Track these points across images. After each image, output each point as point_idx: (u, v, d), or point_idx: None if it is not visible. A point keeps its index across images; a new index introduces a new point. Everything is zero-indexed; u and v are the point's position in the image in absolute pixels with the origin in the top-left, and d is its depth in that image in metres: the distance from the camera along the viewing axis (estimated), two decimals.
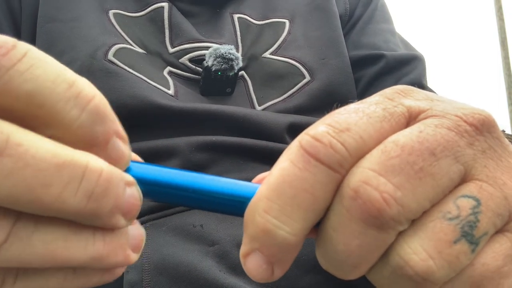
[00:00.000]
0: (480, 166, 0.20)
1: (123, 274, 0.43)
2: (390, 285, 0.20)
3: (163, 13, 0.57)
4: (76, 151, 0.18)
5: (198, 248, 0.44)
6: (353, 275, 0.21)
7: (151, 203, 0.46)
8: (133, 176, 0.20)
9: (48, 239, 0.18)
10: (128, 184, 0.19)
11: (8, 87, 0.17)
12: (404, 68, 0.62)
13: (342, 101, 0.58)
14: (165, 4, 0.57)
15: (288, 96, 0.56)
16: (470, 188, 0.20)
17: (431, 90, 0.62)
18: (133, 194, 0.19)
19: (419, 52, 0.65)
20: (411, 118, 0.21)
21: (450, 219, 0.19)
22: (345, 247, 0.20)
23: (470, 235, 0.19)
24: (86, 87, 0.18)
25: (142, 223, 0.45)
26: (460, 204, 0.19)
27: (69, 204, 0.17)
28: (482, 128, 0.20)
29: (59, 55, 0.52)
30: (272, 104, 0.55)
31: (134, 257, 0.21)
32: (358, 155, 0.20)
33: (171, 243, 0.44)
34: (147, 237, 0.45)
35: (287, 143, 0.52)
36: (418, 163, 0.19)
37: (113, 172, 0.18)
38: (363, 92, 0.62)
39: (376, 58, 0.62)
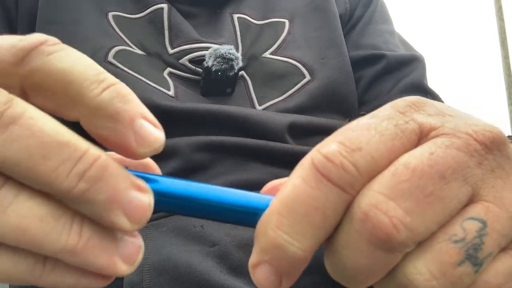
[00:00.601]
0: (488, 187, 0.20)
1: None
2: None
3: (163, 14, 0.57)
4: (81, 139, 0.19)
5: (198, 249, 0.44)
6: (360, 287, 0.21)
7: None
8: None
9: (24, 213, 0.18)
10: (139, 188, 0.20)
11: (46, 66, 0.20)
12: (405, 68, 0.62)
13: (342, 100, 0.58)
14: (164, 6, 0.57)
15: (289, 96, 0.56)
16: (477, 210, 0.20)
17: (431, 91, 0.62)
18: (142, 198, 0.20)
19: (419, 52, 0.65)
20: (422, 135, 0.21)
21: (456, 241, 0.19)
22: (353, 265, 0.20)
23: (474, 257, 0.19)
24: (111, 77, 0.21)
25: None
26: (466, 227, 0.20)
27: (61, 180, 0.18)
28: (492, 146, 0.20)
29: None
30: (272, 104, 0.55)
31: (123, 268, 0.20)
32: (369, 175, 0.20)
33: (172, 244, 0.44)
34: (148, 238, 0.45)
35: (288, 143, 0.52)
36: (428, 187, 0.19)
37: (112, 165, 0.19)
38: (364, 92, 0.62)
39: (376, 58, 0.62)
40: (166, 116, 0.50)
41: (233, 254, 0.44)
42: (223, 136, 0.50)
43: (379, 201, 0.19)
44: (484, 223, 0.20)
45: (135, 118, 0.20)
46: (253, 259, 0.21)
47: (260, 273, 0.20)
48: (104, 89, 0.20)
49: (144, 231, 0.45)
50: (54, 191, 0.19)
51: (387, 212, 0.19)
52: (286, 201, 0.20)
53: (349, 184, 0.19)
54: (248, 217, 0.21)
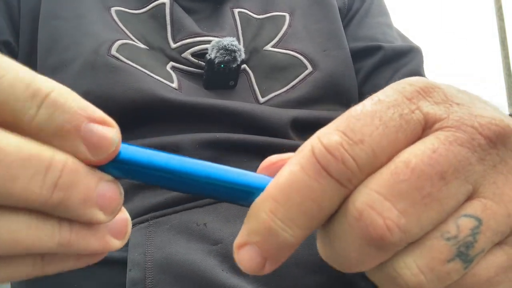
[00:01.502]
0: (488, 183, 0.20)
1: (126, 272, 0.43)
2: (384, 285, 0.21)
3: (165, 9, 0.57)
4: (42, 146, 0.18)
5: (201, 247, 0.44)
6: (349, 272, 0.21)
7: (153, 200, 0.46)
8: (134, 159, 0.21)
9: (12, 227, 0.18)
10: (106, 179, 0.20)
11: None
12: (402, 59, 0.62)
13: (344, 91, 0.58)
14: (166, 1, 0.57)
15: (291, 87, 0.56)
16: (474, 206, 0.20)
17: None
18: (110, 188, 0.20)
19: (416, 44, 0.66)
20: (426, 126, 0.20)
21: (448, 239, 0.19)
22: (344, 254, 0.20)
23: (465, 255, 0.19)
24: (43, 84, 0.19)
25: (145, 220, 0.46)
26: (460, 224, 0.19)
27: (36, 195, 0.18)
28: (497, 140, 0.20)
29: (63, 51, 0.52)
30: (275, 96, 0.55)
31: (116, 243, 0.21)
32: (368, 170, 0.19)
33: (174, 242, 0.44)
34: (151, 235, 0.45)
35: (291, 138, 0.52)
36: (427, 188, 0.19)
37: (80, 165, 0.19)
38: (362, 84, 0.63)
39: (374, 49, 0.63)
40: (169, 108, 0.50)
41: None
42: (226, 133, 0.50)
43: (375, 201, 0.19)
44: (479, 221, 0.19)
45: (81, 126, 0.19)
46: (239, 239, 0.21)
47: (245, 253, 0.20)
48: (39, 107, 0.18)
49: (147, 229, 0.45)
50: (31, 205, 0.18)
51: (381, 212, 0.18)
52: (282, 188, 0.19)
53: (347, 179, 0.19)
54: (243, 196, 0.21)
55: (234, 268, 0.43)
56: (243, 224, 0.21)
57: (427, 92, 0.21)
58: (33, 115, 0.18)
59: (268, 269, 0.21)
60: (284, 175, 0.20)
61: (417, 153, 0.19)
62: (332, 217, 0.20)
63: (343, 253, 0.20)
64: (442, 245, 0.19)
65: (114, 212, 0.20)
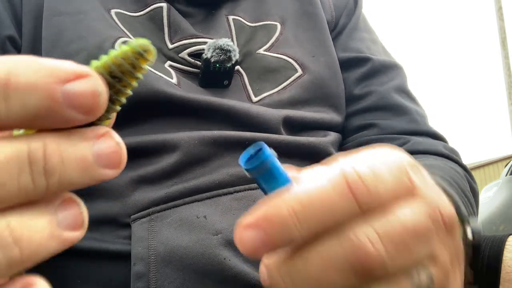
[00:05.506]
0: (440, 252, 0.25)
1: (130, 266, 0.44)
2: None
3: (162, 12, 0.59)
4: (14, 142, 0.18)
5: (202, 237, 0.45)
6: None
7: (154, 195, 0.48)
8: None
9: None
10: (96, 137, 0.19)
11: None
12: (389, 73, 0.67)
13: (332, 94, 0.62)
14: (163, 5, 0.60)
15: (282, 88, 0.59)
16: (431, 267, 0.24)
17: (414, 96, 0.68)
18: (106, 144, 0.19)
19: (397, 61, 0.71)
20: (413, 192, 0.24)
21: (412, 283, 0.23)
22: (318, 277, 0.22)
23: None
24: None
25: (146, 215, 0.47)
26: (422, 276, 0.24)
27: (31, 190, 0.18)
28: (448, 225, 0.25)
29: (67, 45, 0.53)
30: (267, 96, 0.58)
31: (71, 236, 0.19)
32: (377, 207, 0.23)
33: (176, 234, 0.45)
34: (153, 229, 0.46)
35: (282, 134, 0.56)
36: (410, 244, 0.23)
37: (62, 140, 0.18)
38: (352, 90, 0.67)
39: (363, 60, 0.67)
40: (170, 105, 0.52)
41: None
42: (223, 131, 0.52)
43: (374, 238, 0.22)
44: (432, 278, 0.24)
45: (56, 95, 0.18)
46: (250, 220, 0.22)
47: (250, 235, 0.21)
48: (4, 99, 0.17)
49: (149, 223, 0.46)
50: (32, 198, 0.18)
51: (377, 249, 0.22)
52: (311, 196, 0.22)
53: (366, 207, 0.22)
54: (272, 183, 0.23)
55: (236, 256, 0.45)
56: (255, 210, 0.22)
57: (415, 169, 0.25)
58: (3, 107, 0.17)
59: (262, 255, 0.22)
60: (315, 186, 0.22)
61: (409, 218, 0.23)
62: (319, 238, 0.22)
63: (318, 275, 0.22)
64: (407, 286, 0.23)
65: (120, 163, 0.20)
